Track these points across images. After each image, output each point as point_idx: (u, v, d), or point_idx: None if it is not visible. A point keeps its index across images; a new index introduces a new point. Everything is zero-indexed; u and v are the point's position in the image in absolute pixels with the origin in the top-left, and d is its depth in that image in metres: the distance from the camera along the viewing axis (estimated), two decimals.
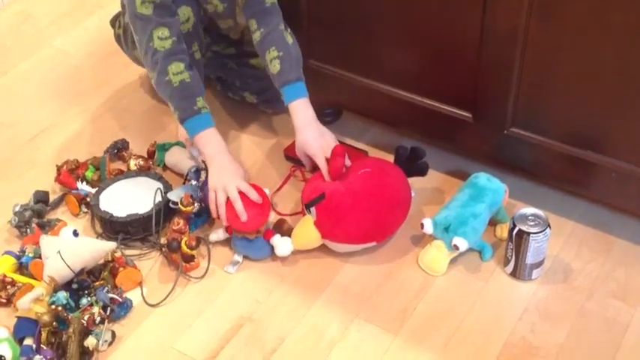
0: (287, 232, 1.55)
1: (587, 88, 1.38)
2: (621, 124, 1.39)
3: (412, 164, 1.60)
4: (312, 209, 1.50)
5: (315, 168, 1.60)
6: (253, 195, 1.51)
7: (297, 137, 1.60)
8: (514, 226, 1.43)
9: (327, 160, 1.54)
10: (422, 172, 1.61)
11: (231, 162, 1.56)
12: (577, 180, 1.51)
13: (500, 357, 1.35)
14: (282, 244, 1.51)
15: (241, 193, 1.51)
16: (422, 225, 1.50)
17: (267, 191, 1.58)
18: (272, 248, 1.53)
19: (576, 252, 1.52)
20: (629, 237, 1.54)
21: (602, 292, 1.45)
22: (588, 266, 1.49)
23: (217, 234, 1.56)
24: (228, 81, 1.87)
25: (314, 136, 1.58)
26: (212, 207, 1.53)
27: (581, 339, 1.37)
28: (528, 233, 1.41)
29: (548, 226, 1.42)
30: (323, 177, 1.54)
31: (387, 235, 1.54)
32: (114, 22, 1.85)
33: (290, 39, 1.62)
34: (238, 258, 1.54)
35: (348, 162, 1.55)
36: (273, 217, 1.56)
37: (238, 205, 1.49)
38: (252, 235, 1.52)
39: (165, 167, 1.75)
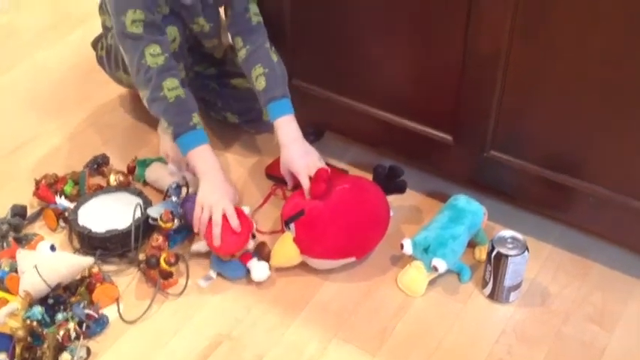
0: (266, 256, 1.54)
1: (566, 113, 1.40)
2: (599, 149, 1.40)
3: (391, 182, 1.61)
4: (292, 225, 1.50)
5: (297, 186, 1.60)
6: (234, 222, 1.50)
7: (282, 154, 1.59)
8: (492, 248, 1.44)
9: (310, 179, 1.55)
10: (400, 189, 1.62)
11: (223, 182, 1.56)
12: (555, 204, 1.53)
13: None
14: (258, 269, 1.50)
15: (224, 216, 1.50)
16: (401, 245, 1.50)
17: (247, 210, 1.58)
18: (247, 270, 1.52)
19: (553, 275, 1.53)
20: (606, 262, 1.55)
21: (579, 316, 1.46)
22: (565, 290, 1.51)
23: (199, 245, 1.55)
24: (211, 101, 1.87)
25: (299, 154, 1.58)
26: (195, 220, 1.52)
27: None
28: (507, 256, 1.42)
29: (527, 249, 1.43)
30: (303, 194, 1.54)
31: (366, 251, 1.54)
32: (95, 44, 1.85)
33: (275, 57, 1.63)
34: (212, 274, 1.53)
35: None
36: (253, 245, 1.55)
37: (216, 230, 1.49)
38: (227, 258, 1.52)
39: (145, 183, 1.74)
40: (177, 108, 1.53)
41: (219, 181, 1.55)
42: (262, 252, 1.55)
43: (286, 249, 1.50)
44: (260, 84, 1.59)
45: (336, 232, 1.48)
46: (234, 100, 1.84)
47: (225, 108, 1.86)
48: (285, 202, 1.58)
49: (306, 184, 1.54)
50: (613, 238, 1.54)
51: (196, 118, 1.54)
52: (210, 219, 1.50)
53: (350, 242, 1.50)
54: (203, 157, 1.55)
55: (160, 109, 1.54)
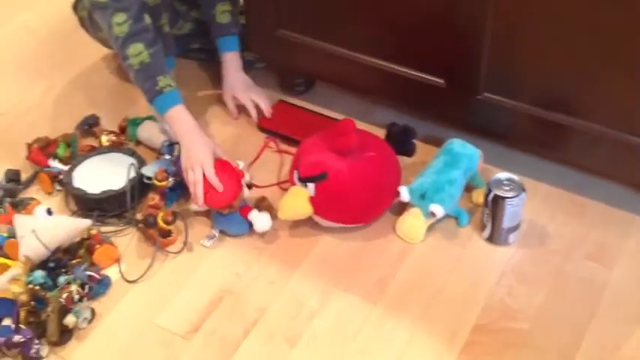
0: (266, 209, 1.53)
1: (559, 51, 1.38)
2: (593, 86, 1.39)
3: (402, 144, 1.59)
4: (310, 185, 1.46)
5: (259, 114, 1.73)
6: (213, 181, 1.49)
7: (226, 81, 1.75)
8: (489, 191, 1.44)
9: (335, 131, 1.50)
10: (409, 153, 1.62)
11: (197, 140, 1.53)
12: (550, 143, 1.52)
13: (479, 321, 1.37)
14: (260, 220, 1.50)
15: (216, 166, 1.50)
16: (398, 193, 1.50)
17: (242, 164, 1.57)
18: (249, 224, 1.52)
19: (551, 215, 1.54)
20: (603, 198, 1.56)
21: (578, 254, 1.46)
22: (563, 229, 1.51)
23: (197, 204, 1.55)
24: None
25: (243, 83, 1.75)
26: (188, 184, 1.53)
27: (559, 301, 1.39)
28: (504, 198, 1.42)
29: (524, 190, 1.43)
30: (321, 147, 1.48)
31: (376, 217, 1.53)
32: (75, 6, 1.81)
33: None
34: (215, 232, 1.53)
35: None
36: (247, 193, 1.54)
37: (197, 188, 1.49)
38: (225, 211, 1.51)
39: (137, 142, 1.73)
40: (142, 74, 1.53)
41: (194, 142, 1.53)
42: (261, 204, 1.54)
43: (300, 205, 1.46)
44: (225, 18, 1.72)
45: (357, 202, 1.46)
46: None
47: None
48: (301, 154, 1.51)
49: (254, 114, 1.73)
50: (609, 175, 1.55)
51: (163, 81, 1.53)
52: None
53: (366, 211, 1.50)
54: (176, 119, 1.55)
55: (132, 77, 1.56)
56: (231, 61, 1.75)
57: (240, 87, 1.75)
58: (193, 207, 1.55)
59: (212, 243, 1.52)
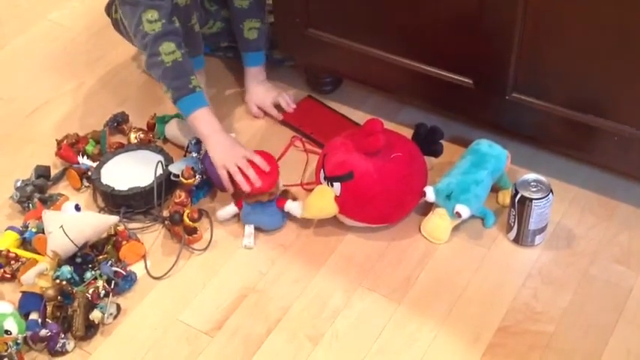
0: (293, 199, 1.54)
1: (588, 52, 1.36)
2: (623, 87, 1.37)
3: (429, 144, 1.59)
4: (337, 184, 1.46)
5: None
6: (260, 162, 1.51)
7: (249, 92, 1.80)
8: (516, 192, 1.42)
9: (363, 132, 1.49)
10: (436, 153, 1.61)
11: (228, 138, 1.56)
12: (579, 145, 1.50)
13: (503, 323, 1.36)
14: (297, 207, 1.51)
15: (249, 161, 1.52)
16: (424, 193, 1.50)
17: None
18: (283, 217, 1.53)
19: (579, 217, 1.52)
20: (632, 201, 1.53)
21: (606, 257, 1.44)
22: (591, 231, 1.49)
23: (226, 211, 1.55)
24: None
25: (265, 89, 1.79)
26: (227, 185, 1.53)
27: (584, 304, 1.38)
28: (531, 199, 1.41)
29: (551, 191, 1.42)
30: (348, 147, 1.48)
31: (402, 217, 1.53)
32: (109, 8, 1.82)
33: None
34: (250, 229, 1.53)
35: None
36: (282, 184, 1.55)
37: (250, 172, 1.49)
38: (265, 197, 1.50)
39: (165, 140, 1.75)
40: (174, 72, 1.52)
41: (225, 139, 1.54)
42: (289, 196, 1.55)
43: (325, 204, 1.47)
44: (252, 35, 1.74)
45: (383, 202, 1.46)
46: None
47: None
48: (327, 153, 1.50)
49: (275, 114, 1.76)
50: (639, 177, 1.52)
51: (195, 80, 1.54)
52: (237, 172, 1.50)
53: (392, 212, 1.49)
54: (204, 120, 1.54)
55: (158, 74, 1.54)
56: (255, 74, 1.79)
57: (263, 94, 1.78)
58: (222, 214, 1.55)
59: (251, 241, 1.51)
